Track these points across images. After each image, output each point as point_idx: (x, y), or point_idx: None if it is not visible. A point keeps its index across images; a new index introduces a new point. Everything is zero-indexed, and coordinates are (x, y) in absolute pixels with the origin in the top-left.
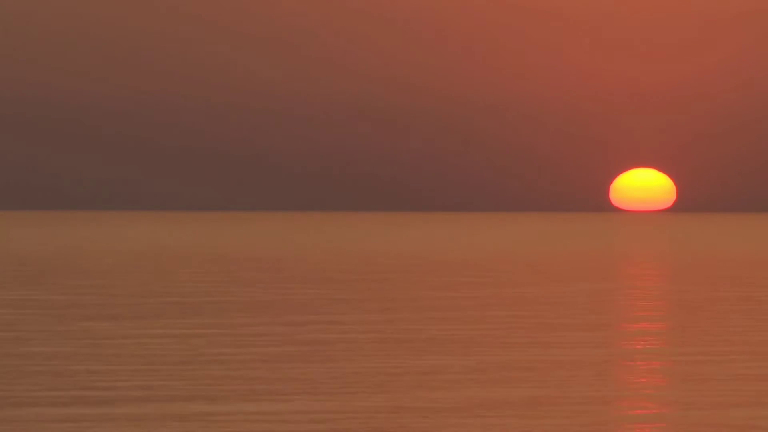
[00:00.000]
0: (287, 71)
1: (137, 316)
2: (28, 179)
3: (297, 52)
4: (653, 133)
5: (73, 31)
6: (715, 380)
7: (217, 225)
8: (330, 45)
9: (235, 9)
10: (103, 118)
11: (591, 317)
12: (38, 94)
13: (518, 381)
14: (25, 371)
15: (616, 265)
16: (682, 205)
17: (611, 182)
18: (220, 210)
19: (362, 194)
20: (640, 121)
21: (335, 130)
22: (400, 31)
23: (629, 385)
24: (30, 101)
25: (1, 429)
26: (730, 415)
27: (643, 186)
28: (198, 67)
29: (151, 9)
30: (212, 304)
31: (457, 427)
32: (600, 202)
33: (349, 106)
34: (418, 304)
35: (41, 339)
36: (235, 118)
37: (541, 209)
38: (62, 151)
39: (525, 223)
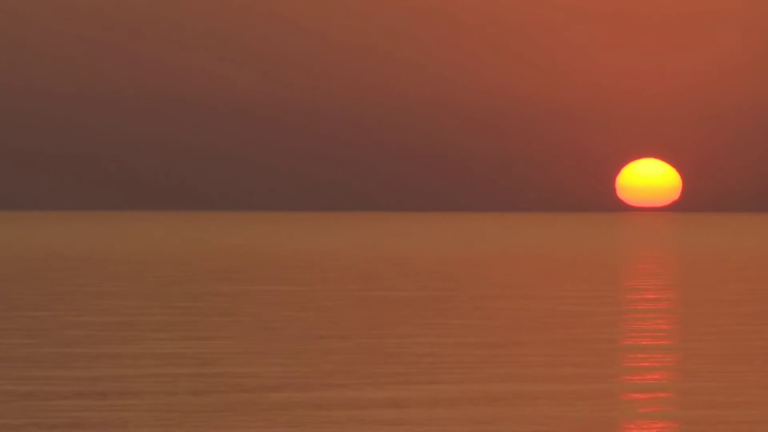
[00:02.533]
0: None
1: None
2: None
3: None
4: (656, 123)
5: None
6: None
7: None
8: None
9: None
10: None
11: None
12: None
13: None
14: None
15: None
16: (689, 196)
17: (616, 175)
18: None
19: (364, 194)
20: (641, 112)
21: (335, 128)
22: (403, 29)
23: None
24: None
25: None
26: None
27: (649, 180)
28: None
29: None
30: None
31: None
32: (606, 198)
33: (346, 105)
34: None
35: None
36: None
37: (544, 209)
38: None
39: (539, 225)
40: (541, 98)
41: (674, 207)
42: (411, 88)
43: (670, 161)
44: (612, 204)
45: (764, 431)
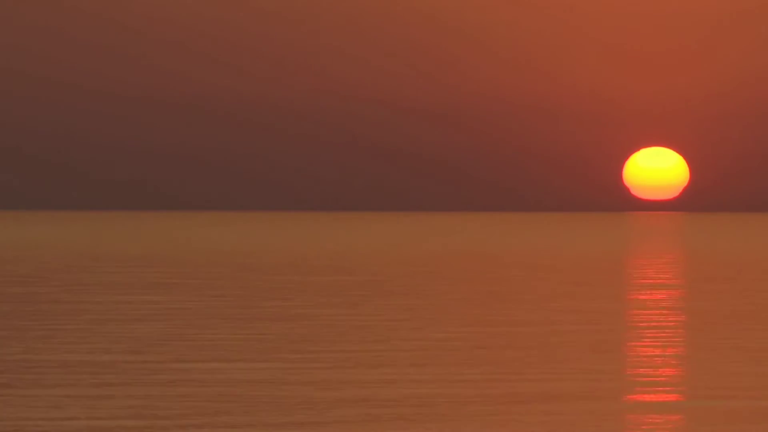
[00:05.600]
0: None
1: None
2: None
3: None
4: (655, 114)
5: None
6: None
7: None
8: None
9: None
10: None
11: None
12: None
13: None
14: None
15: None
16: (696, 185)
17: (622, 168)
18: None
19: (370, 194)
20: (638, 106)
21: (342, 128)
22: (409, 30)
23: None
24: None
25: None
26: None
27: (656, 172)
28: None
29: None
30: None
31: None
32: (613, 192)
33: (353, 103)
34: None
35: None
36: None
37: (547, 209)
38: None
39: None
40: (537, 95)
41: (684, 196)
42: (412, 87)
43: (676, 148)
44: (620, 197)
45: None
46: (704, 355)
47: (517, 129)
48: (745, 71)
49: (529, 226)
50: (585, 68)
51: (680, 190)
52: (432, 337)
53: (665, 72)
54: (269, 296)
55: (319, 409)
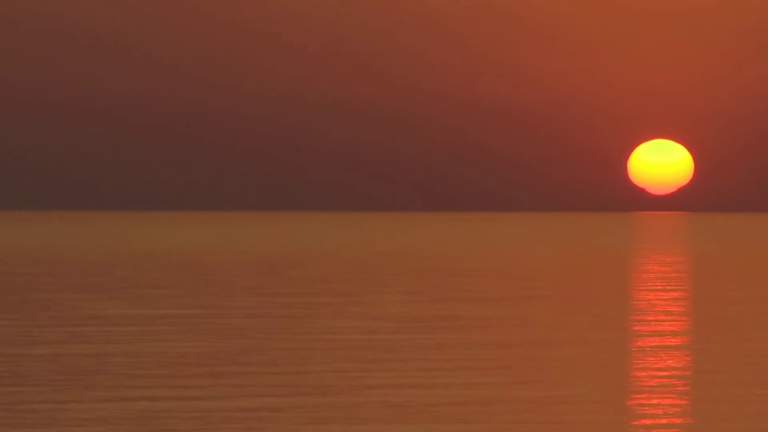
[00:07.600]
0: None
1: None
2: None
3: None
4: (660, 103)
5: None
6: None
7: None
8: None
9: None
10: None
11: None
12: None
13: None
14: None
15: None
16: (701, 178)
17: (626, 163)
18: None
19: (379, 194)
20: (635, 102)
21: (348, 129)
22: (411, 31)
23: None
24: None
25: None
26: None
27: (660, 166)
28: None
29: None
30: None
31: None
32: (618, 188)
33: (360, 106)
34: None
35: None
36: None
37: (551, 208)
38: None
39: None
40: (538, 94)
41: (687, 192)
42: (415, 85)
43: (679, 140)
44: (624, 195)
45: None
46: None
47: (512, 127)
48: (747, 60)
49: (528, 226)
50: (583, 63)
51: (683, 184)
52: None
53: (662, 65)
54: None
55: None
